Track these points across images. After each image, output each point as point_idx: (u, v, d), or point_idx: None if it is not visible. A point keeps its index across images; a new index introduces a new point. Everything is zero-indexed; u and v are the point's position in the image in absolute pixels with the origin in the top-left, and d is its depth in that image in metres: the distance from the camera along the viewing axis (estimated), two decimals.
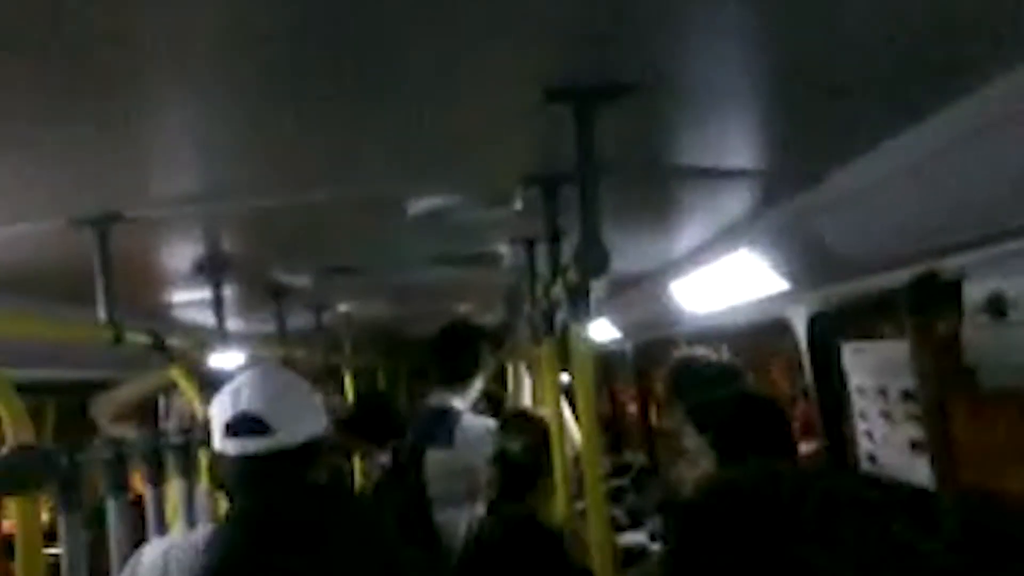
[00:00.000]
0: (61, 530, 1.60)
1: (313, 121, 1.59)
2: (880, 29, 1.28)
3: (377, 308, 5.02)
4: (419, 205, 2.33)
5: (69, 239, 2.11)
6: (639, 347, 5.84)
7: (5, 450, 1.48)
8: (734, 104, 1.70)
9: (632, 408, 6.57)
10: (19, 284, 2.47)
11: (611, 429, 6.88)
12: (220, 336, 2.95)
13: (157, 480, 2.04)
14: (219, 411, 1.83)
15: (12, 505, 1.49)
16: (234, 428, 1.80)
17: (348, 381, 5.32)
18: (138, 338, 2.24)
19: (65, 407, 3.61)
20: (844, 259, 2.38)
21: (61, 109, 1.32)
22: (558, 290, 2.07)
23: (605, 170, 1.67)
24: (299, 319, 4.31)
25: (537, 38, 1.29)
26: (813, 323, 2.90)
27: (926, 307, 2.25)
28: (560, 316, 2.15)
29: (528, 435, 2.87)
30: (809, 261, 2.58)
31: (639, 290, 4.23)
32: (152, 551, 1.78)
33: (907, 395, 2.50)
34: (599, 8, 1.18)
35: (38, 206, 2.00)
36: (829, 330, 2.87)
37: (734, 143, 1.99)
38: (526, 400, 3.62)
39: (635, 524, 4.06)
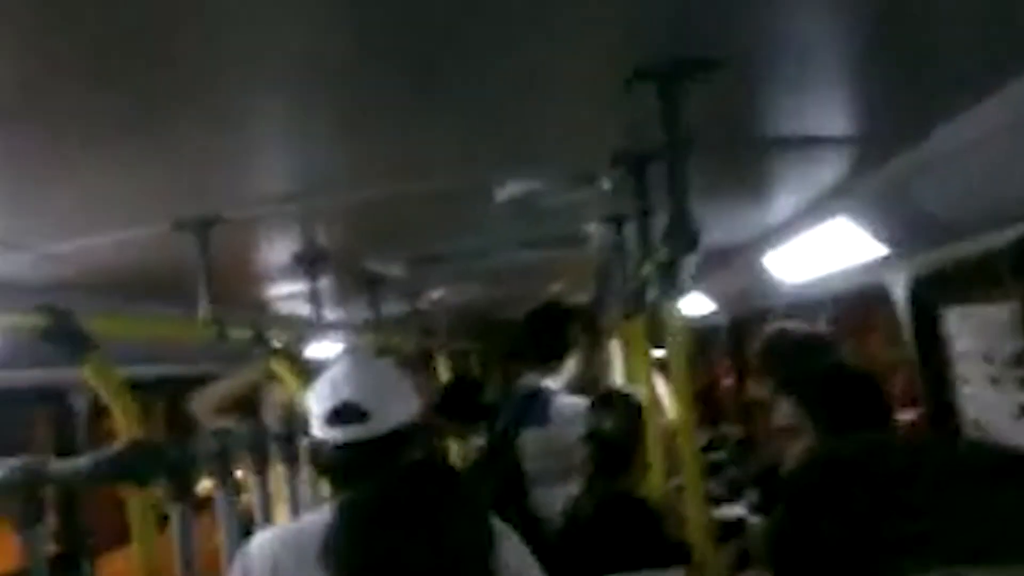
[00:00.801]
0: (173, 519, 1.66)
1: (401, 113, 1.60)
2: None
3: (469, 292, 5.06)
4: (507, 190, 2.34)
5: (172, 242, 2.19)
6: (734, 319, 5.77)
7: (119, 445, 1.55)
8: (825, 71, 1.66)
9: (728, 381, 6.50)
10: (127, 286, 2.56)
11: (707, 403, 6.81)
12: (317, 326, 3.01)
13: (261, 469, 2.10)
14: (317, 401, 1.88)
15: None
16: (333, 417, 1.85)
17: (442, 365, 5.38)
18: (240, 333, 2.31)
19: (172, 404, 3.74)
20: (945, 221, 2.31)
21: (162, 119, 1.36)
22: (649, 268, 2.06)
23: (694, 145, 1.65)
24: (393, 306, 4.37)
25: (623, 16, 1.27)
26: (914, 289, 2.82)
27: None
28: (651, 294, 2.14)
29: (621, 413, 2.87)
30: (908, 225, 2.51)
31: (733, 261, 4.16)
32: (262, 541, 1.84)
33: (1016, 359, 2.42)
34: None
35: (143, 212, 2.07)
36: (930, 295, 2.79)
37: (827, 110, 1.94)
38: (618, 378, 3.61)
39: (733, 497, 4.03)
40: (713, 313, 5.75)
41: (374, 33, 1.19)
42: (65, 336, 1.53)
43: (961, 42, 1.49)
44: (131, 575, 1.81)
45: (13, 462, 1.47)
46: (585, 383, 3.81)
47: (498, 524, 1.84)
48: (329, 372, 1.91)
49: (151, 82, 1.20)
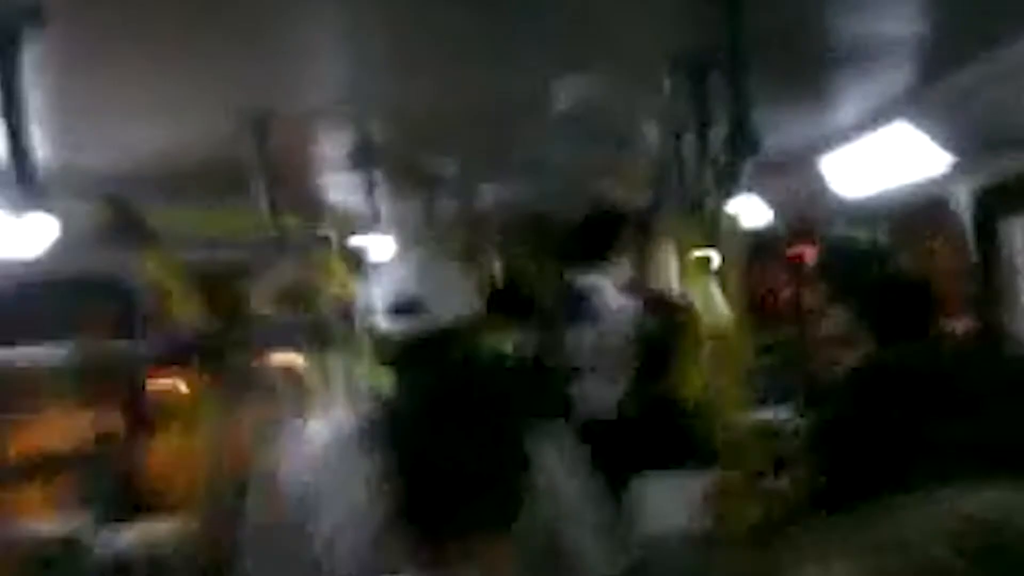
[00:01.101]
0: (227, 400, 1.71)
1: (459, 13, 1.58)
2: None
3: (523, 192, 5.04)
4: (566, 96, 2.31)
5: (231, 136, 2.21)
6: (792, 224, 5.67)
7: (182, 332, 1.60)
8: None
9: (785, 289, 6.44)
10: (187, 177, 2.59)
11: (763, 309, 6.76)
12: (373, 220, 3.03)
13: (321, 350, 2.15)
14: (379, 293, 1.94)
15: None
16: (394, 309, 1.90)
17: (494, 263, 5.39)
18: (298, 227, 2.34)
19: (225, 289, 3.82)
20: (1012, 133, 2.25)
21: (222, 18, 1.36)
22: (708, 173, 2.04)
23: (756, 51, 1.62)
24: (447, 203, 4.37)
25: None
26: (977, 198, 2.76)
27: None
28: (709, 198, 2.11)
29: (667, 317, 2.88)
30: (974, 134, 2.45)
31: (794, 168, 4.08)
32: (317, 429, 1.90)
33: None
34: None
35: (203, 106, 2.09)
36: (993, 206, 2.73)
37: (897, 12, 1.88)
38: (672, 280, 3.60)
39: (779, 401, 4.03)
40: (772, 221, 5.68)
41: None
42: (128, 228, 1.56)
43: None
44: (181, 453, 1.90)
45: (82, 343, 1.53)
46: (637, 283, 3.82)
47: (539, 425, 1.87)
48: (390, 266, 1.95)
49: None
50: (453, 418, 1.45)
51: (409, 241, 3.90)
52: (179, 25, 1.41)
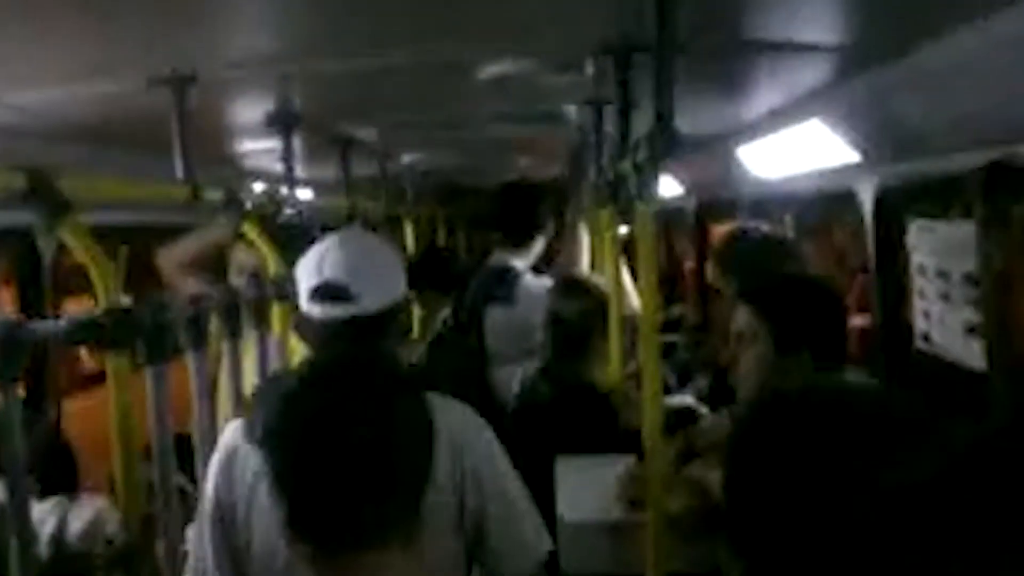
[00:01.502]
0: (148, 383, 1.70)
1: None
2: None
3: (440, 159, 5.04)
4: (490, 69, 2.32)
5: (147, 98, 2.15)
6: (701, 204, 5.81)
7: (97, 311, 1.58)
8: None
9: (689, 262, 6.59)
10: (100, 139, 2.53)
11: (666, 283, 6.92)
12: (289, 183, 2.98)
13: (234, 332, 2.13)
14: (304, 276, 1.90)
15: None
16: (319, 294, 1.86)
17: (409, 230, 5.38)
18: (214, 195, 2.31)
19: (136, 253, 3.73)
20: (918, 137, 2.34)
21: None
22: (626, 165, 2.07)
23: (681, 43, 1.65)
24: (364, 168, 4.35)
25: None
26: (880, 197, 2.87)
27: (998, 191, 2.22)
28: (626, 189, 2.15)
29: (582, 299, 2.91)
30: (881, 136, 2.54)
31: (705, 149, 4.18)
32: (227, 430, 1.88)
33: (968, 278, 2.49)
34: None
35: (118, 65, 2.03)
36: (896, 206, 2.84)
37: (817, 16, 1.94)
38: (584, 259, 3.65)
39: (683, 383, 4.14)
40: (680, 196, 5.79)
41: None
42: (43, 198, 1.53)
43: None
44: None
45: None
46: (551, 263, 3.87)
47: (459, 409, 1.89)
48: (319, 247, 1.93)
49: None
50: (332, 408, 1.33)
51: (324, 207, 3.87)
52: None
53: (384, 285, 1.91)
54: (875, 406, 1.06)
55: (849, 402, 1.07)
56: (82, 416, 3.68)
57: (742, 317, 2.22)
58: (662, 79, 1.62)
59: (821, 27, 2.00)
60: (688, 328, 5.43)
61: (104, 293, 1.61)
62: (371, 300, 1.87)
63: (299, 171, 3.40)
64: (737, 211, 4.75)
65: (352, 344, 1.86)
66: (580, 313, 2.88)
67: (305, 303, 1.89)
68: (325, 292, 1.87)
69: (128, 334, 1.60)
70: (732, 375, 2.27)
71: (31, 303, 3.00)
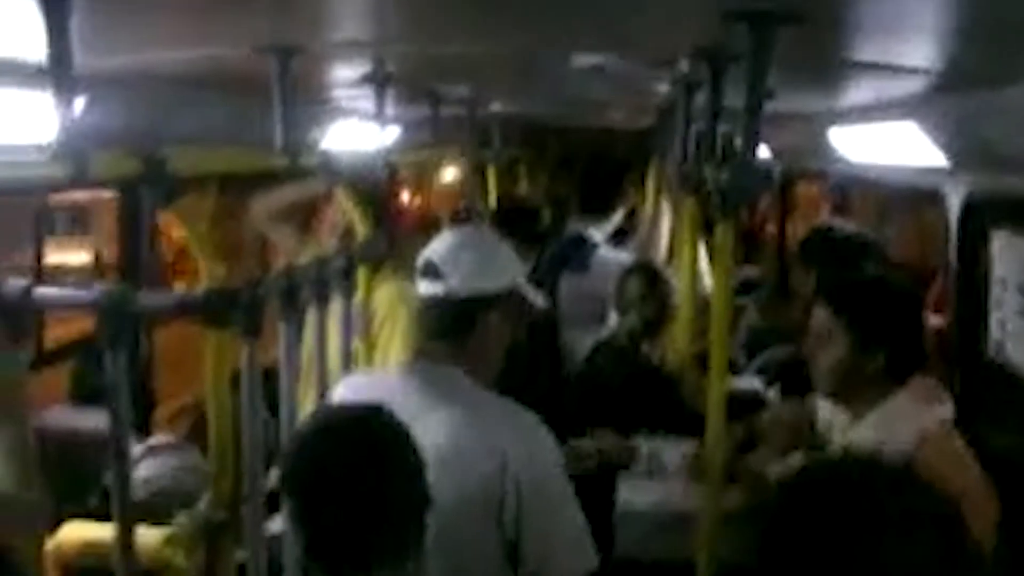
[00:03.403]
0: (244, 355, 1.82)
1: None
2: None
3: (529, 107, 5.05)
4: (586, 60, 2.35)
5: (251, 64, 2.23)
6: (787, 170, 5.74)
7: (199, 290, 1.70)
8: (915, 17, 1.65)
9: (771, 225, 6.52)
10: (204, 90, 2.63)
11: (743, 240, 6.83)
12: (380, 121, 3.03)
13: (323, 299, 2.24)
14: (420, 257, 2.06)
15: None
16: (422, 272, 2.02)
17: (492, 177, 5.41)
18: (311, 161, 2.40)
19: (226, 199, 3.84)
20: (1008, 157, 2.32)
21: None
22: (710, 170, 2.10)
23: (776, 59, 1.65)
24: (452, 111, 4.39)
25: None
26: (968, 202, 2.84)
27: None
28: (713, 196, 2.16)
29: (650, 288, 2.94)
30: (973, 149, 2.51)
31: (799, 123, 4.13)
32: (339, 391, 2.03)
33: None
34: None
35: (229, 33, 2.11)
36: (983, 214, 2.81)
37: (919, 43, 1.92)
38: (664, 237, 3.68)
39: (752, 353, 4.07)
40: (767, 159, 5.72)
41: None
42: (157, 182, 1.63)
43: None
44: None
45: (103, 289, 1.62)
46: (632, 230, 3.90)
47: (524, 424, 1.92)
48: (440, 235, 2.07)
49: None
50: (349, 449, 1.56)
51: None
52: None
53: (478, 272, 2.00)
54: (893, 489, 1.13)
55: (873, 485, 1.13)
56: None
57: (820, 316, 2.23)
58: (750, 121, 1.64)
59: (922, 54, 1.99)
60: (763, 294, 5.38)
61: (207, 272, 1.73)
62: (460, 283, 1.97)
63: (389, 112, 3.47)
64: (822, 183, 4.69)
65: (442, 325, 1.99)
66: (647, 302, 2.92)
67: (417, 280, 2.05)
68: (424, 269, 2.02)
69: (227, 312, 1.71)
70: (811, 371, 2.28)
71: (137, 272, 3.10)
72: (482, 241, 2.10)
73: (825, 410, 2.38)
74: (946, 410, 2.08)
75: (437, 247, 2.03)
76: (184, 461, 2.27)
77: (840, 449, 2.12)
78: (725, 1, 1.50)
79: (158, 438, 2.32)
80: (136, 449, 2.18)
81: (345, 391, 2.06)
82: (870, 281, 2.42)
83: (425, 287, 2.01)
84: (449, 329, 1.99)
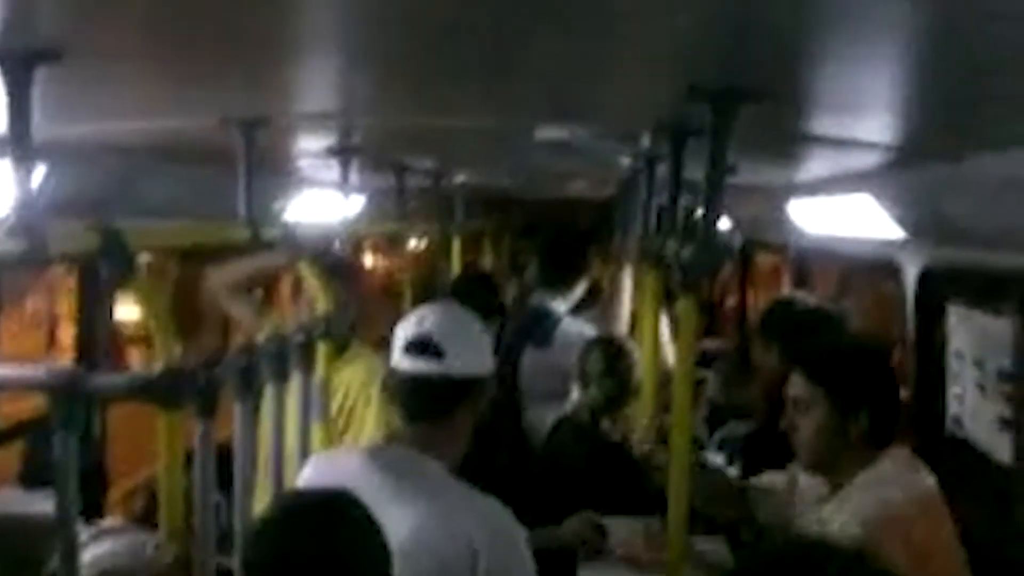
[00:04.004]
0: (198, 437, 1.77)
1: (453, 53, 1.57)
2: None
3: (493, 179, 5.09)
4: (549, 133, 2.37)
5: (214, 135, 2.23)
6: (748, 241, 5.80)
7: (156, 371, 1.66)
8: (873, 97, 1.68)
9: (731, 296, 6.58)
10: (168, 159, 2.62)
11: (704, 313, 6.87)
12: (345, 191, 3.01)
13: (281, 377, 2.18)
14: (402, 331, 1.96)
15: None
16: (412, 346, 1.92)
17: (456, 247, 5.41)
18: (274, 233, 2.38)
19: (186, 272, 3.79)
20: (965, 231, 2.37)
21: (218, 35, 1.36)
22: (672, 244, 2.11)
23: (737, 133, 1.67)
24: (417, 182, 4.40)
25: (682, 42, 1.29)
26: (923, 275, 2.88)
27: None
28: (674, 272, 2.16)
29: (611, 359, 2.93)
30: (930, 222, 2.56)
31: (759, 195, 4.18)
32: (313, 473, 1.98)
33: (1003, 374, 2.50)
34: (733, 20, 1.16)
35: (197, 106, 2.10)
36: (939, 287, 2.85)
37: (878, 119, 1.96)
38: (626, 310, 3.67)
39: (713, 425, 4.04)
40: (727, 230, 5.79)
41: None
42: (115, 257, 1.60)
43: (998, 93, 1.50)
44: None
45: (54, 367, 1.58)
46: (597, 297, 3.90)
47: (488, 511, 1.87)
48: (423, 308, 2.00)
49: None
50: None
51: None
52: (176, 48, 1.42)
53: (474, 354, 1.95)
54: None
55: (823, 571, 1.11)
56: None
57: (797, 385, 2.20)
58: (712, 199, 1.65)
59: (877, 129, 2.04)
60: (724, 367, 5.40)
61: (163, 351, 1.69)
62: (459, 362, 1.91)
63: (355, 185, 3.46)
64: (782, 254, 4.74)
65: (429, 405, 1.93)
66: (604, 374, 2.90)
67: (397, 355, 1.95)
68: (419, 344, 1.92)
69: (182, 394, 1.67)
70: (793, 441, 2.26)
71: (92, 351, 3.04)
72: (472, 319, 2.04)
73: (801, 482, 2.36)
74: (930, 477, 2.07)
75: (434, 322, 1.94)
76: (134, 543, 2.20)
77: (817, 522, 2.09)
78: (686, 78, 1.52)
79: (110, 520, 2.24)
80: (86, 532, 2.10)
81: (312, 472, 2.01)
82: (844, 346, 2.42)
83: (415, 364, 1.91)
84: (433, 410, 1.93)
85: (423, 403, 1.93)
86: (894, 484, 2.02)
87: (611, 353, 2.96)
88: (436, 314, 1.98)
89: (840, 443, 2.13)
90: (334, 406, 2.74)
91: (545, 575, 1.90)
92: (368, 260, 6.24)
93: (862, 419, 2.10)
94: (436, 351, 1.90)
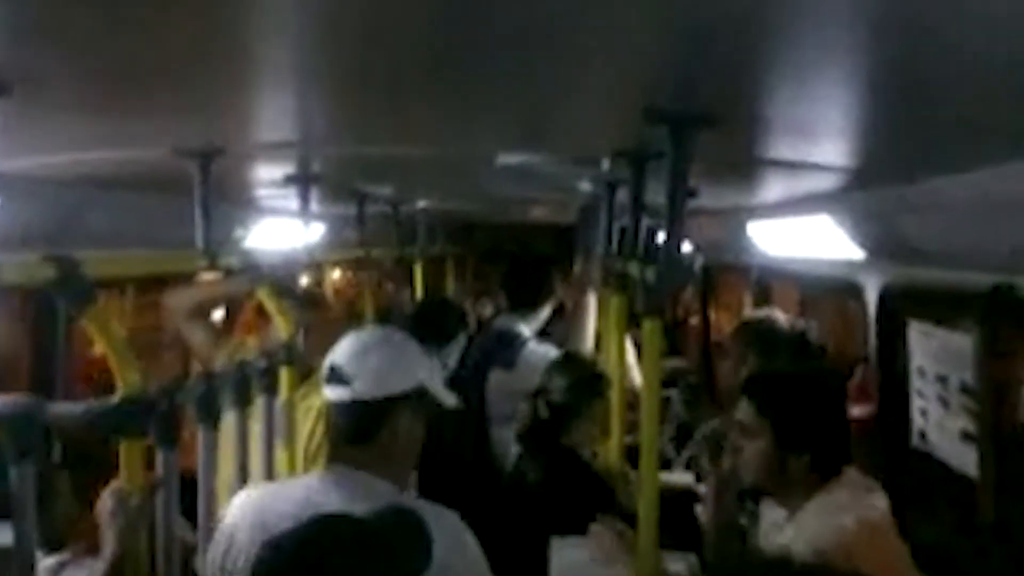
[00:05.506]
0: (159, 464, 1.75)
1: (413, 81, 1.58)
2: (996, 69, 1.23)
3: (454, 204, 5.10)
4: (509, 159, 2.38)
5: (170, 165, 2.21)
6: (709, 262, 5.84)
7: (115, 399, 1.63)
8: (828, 121, 1.70)
9: (694, 316, 6.62)
10: (123, 191, 2.59)
11: (667, 333, 6.90)
12: (305, 219, 3.00)
13: (243, 402, 2.17)
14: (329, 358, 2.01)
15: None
16: (327, 377, 1.98)
17: (419, 273, 5.41)
18: (231, 261, 2.36)
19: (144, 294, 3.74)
20: (922, 250, 2.40)
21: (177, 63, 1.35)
22: (634, 267, 2.13)
23: (695, 157, 1.69)
24: (376, 208, 4.39)
25: (639, 65, 1.30)
26: (884, 294, 2.91)
27: (996, 316, 2.27)
28: (637, 297, 2.17)
29: (574, 376, 2.91)
30: (888, 242, 2.59)
31: (719, 217, 4.22)
32: (233, 505, 1.95)
33: (965, 388, 2.54)
34: (690, 45, 1.17)
35: (148, 135, 2.08)
36: (899, 305, 2.89)
37: (834, 142, 1.98)
38: (590, 330, 3.66)
39: (680, 443, 4.08)
40: (690, 252, 5.83)
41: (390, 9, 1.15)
42: (72, 287, 1.58)
43: (950, 118, 1.53)
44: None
45: (11, 400, 1.55)
46: (562, 316, 3.90)
47: (450, 526, 1.87)
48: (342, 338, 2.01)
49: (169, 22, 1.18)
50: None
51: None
52: (126, 80, 1.41)
53: (384, 374, 1.95)
54: None
55: None
56: None
57: (745, 410, 2.22)
58: (674, 216, 1.66)
59: (834, 152, 2.06)
60: (688, 385, 5.43)
61: (123, 381, 1.67)
62: (366, 386, 1.93)
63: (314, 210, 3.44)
64: (744, 275, 4.79)
65: (352, 430, 1.94)
66: (567, 390, 2.88)
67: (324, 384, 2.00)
68: (330, 373, 1.98)
69: (142, 424, 1.65)
70: (737, 463, 2.27)
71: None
72: (386, 341, 2.05)
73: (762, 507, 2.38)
74: (883, 500, 2.09)
75: (342, 350, 1.98)
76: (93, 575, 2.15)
77: (778, 546, 2.10)
78: (645, 104, 1.53)
79: (72, 549, 2.20)
80: (44, 563, 2.06)
81: (250, 508, 1.96)
82: (793, 379, 2.39)
83: (331, 392, 1.96)
84: (358, 433, 1.94)
85: (346, 428, 1.96)
86: (847, 511, 2.04)
87: (573, 370, 2.95)
88: (347, 342, 2.02)
89: (782, 474, 2.15)
90: (304, 431, 2.73)
91: None
92: (329, 286, 6.22)
93: (804, 458, 2.12)
94: (341, 379, 1.94)
